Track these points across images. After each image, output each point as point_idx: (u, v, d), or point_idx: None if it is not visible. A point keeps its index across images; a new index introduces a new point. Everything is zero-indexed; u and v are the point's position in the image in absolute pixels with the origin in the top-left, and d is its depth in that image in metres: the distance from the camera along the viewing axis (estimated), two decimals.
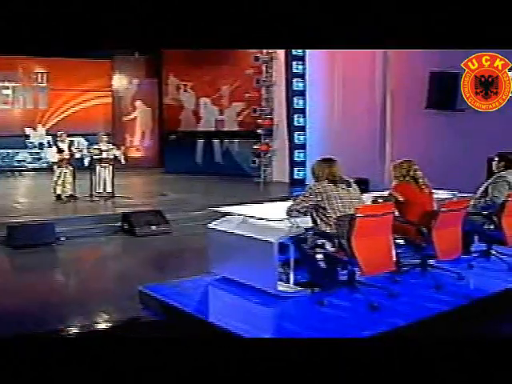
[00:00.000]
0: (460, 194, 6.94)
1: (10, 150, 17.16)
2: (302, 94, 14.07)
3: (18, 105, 17.50)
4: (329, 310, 4.86)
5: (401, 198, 5.57)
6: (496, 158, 6.45)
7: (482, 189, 6.35)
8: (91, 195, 11.37)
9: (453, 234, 5.56)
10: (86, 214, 9.91)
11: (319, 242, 5.01)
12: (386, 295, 5.13)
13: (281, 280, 5.43)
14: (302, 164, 14.31)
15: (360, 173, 12.73)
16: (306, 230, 5.13)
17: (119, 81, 18.53)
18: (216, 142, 16.52)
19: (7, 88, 17.28)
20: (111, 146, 12.07)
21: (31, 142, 17.29)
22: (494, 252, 6.38)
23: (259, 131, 14.93)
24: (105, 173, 11.77)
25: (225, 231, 5.59)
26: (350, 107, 13.31)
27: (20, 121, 17.26)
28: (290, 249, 5.34)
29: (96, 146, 12.00)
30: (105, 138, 11.96)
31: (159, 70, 17.59)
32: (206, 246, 5.88)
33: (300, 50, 13.87)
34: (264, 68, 14.76)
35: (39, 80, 17.59)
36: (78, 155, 11.73)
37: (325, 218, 4.99)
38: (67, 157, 11.32)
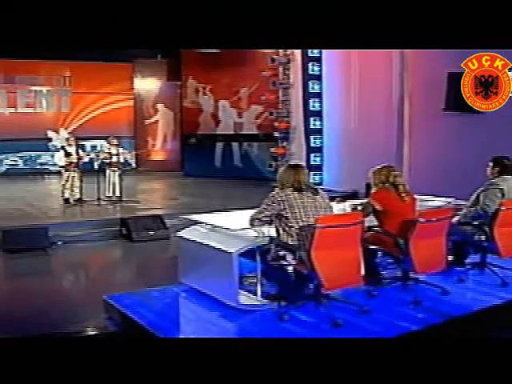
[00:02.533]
0: (457, 202, 6.53)
1: (32, 153, 17.34)
2: (318, 96, 13.70)
3: (40, 108, 17.66)
4: (289, 326, 4.56)
5: (378, 207, 5.22)
6: (490, 163, 5.99)
7: (473, 196, 5.91)
8: (99, 199, 11.29)
9: (434, 246, 5.15)
10: (86, 219, 9.82)
11: (281, 253, 4.73)
12: (356, 311, 4.80)
13: (249, 292, 5.19)
14: (319, 168, 13.94)
15: None
16: (271, 240, 4.85)
17: (141, 84, 18.49)
18: (235, 145, 16.30)
19: (30, 91, 17.45)
20: (121, 150, 11.99)
21: (54, 145, 17.37)
22: (488, 264, 5.93)
23: (276, 134, 14.63)
24: (114, 176, 11.69)
25: (191, 240, 5.35)
26: (367, 110, 12.91)
27: (43, 124, 17.36)
28: (257, 260, 5.07)
29: (106, 150, 11.95)
30: (115, 142, 11.88)
31: (181, 73, 17.46)
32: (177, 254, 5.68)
33: (316, 51, 13.51)
34: (281, 70, 14.45)
35: (62, 83, 17.72)
36: (86, 159, 11.70)
37: (287, 228, 4.69)
38: (75, 160, 11.29)
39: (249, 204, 7.75)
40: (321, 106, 13.77)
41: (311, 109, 13.73)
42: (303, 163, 13.86)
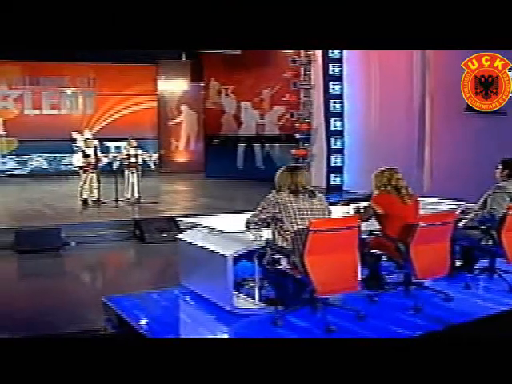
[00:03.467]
0: (467, 205, 6.35)
1: (57, 154, 17.56)
2: (339, 97, 13.56)
3: (65, 110, 17.92)
4: (282, 331, 4.48)
5: (379, 210, 5.10)
6: (499, 166, 5.82)
7: (481, 200, 5.74)
8: (116, 200, 11.35)
9: (436, 251, 5.01)
10: (101, 220, 9.87)
11: (276, 257, 4.66)
12: (353, 317, 4.70)
13: (249, 295, 5.14)
14: (339, 170, 13.80)
15: None
16: (267, 243, 4.77)
17: (165, 85, 18.56)
18: (257, 146, 16.24)
19: (55, 93, 17.72)
20: (140, 151, 12.05)
21: (78, 146, 17.53)
22: (497, 270, 5.75)
23: (297, 136, 14.53)
24: (133, 177, 11.76)
25: (190, 243, 5.32)
26: (388, 110, 12.72)
27: (67, 125, 17.51)
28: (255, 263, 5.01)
29: (124, 151, 12.03)
30: (133, 143, 11.95)
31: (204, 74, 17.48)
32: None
33: (337, 52, 13.39)
34: (302, 71, 14.35)
35: (86, 85, 17.94)
36: (105, 160, 11.79)
37: (282, 232, 4.62)
38: (93, 162, 11.37)
39: None
40: (342, 107, 13.63)
41: (332, 110, 13.60)
42: (324, 165, 13.92)
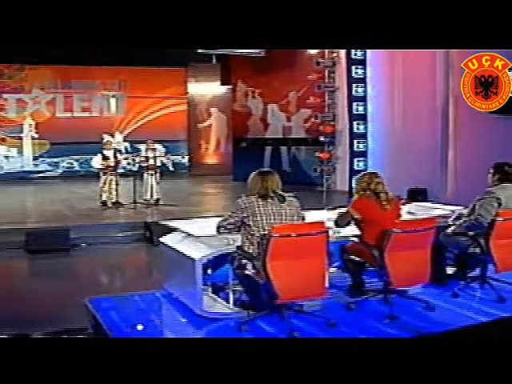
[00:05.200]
0: (463, 211, 6.14)
1: (87, 156, 17.82)
2: (362, 99, 13.36)
3: (96, 112, 18.27)
4: (247, 336, 4.43)
5: (356, 215, 5.00)
6: (491, 170, 5.62)
7: (471, 205, 5.53)
8: (135, 202, 11.48)
9: (414, 258, 4.86)
10: (114, 221, 10.04)
11: (243, 261, 4.62)
12: (323, 324, 4.61)
13: (225, 299, 5.12)
14: None
15: (420, 182, 11.94)
16: (237, 248, 4.74)
17: (194, 88, 18.70)
18: (283, 149, 16.17)
19: (86, 96, 18.09)
20: (158, 154, 12.17)
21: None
22: (488, 278, 5.53)
23: (321, 138, 14.40)
24: (151, 179, 11.88)
25: (168, 246, 5.33)
26: (412, 113, 12.47)
27: (98, 128, 17.73)
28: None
29: (143, 153, 12.17)
30: (151, 145, 12.08)
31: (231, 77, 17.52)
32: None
33: (360, 54, 13.19)
34: (326, 73, 14.23)
35: (116, 88, 18.26)
36: (124, 162, 11.95)
37: (249, 236, 4.58)
38: (112, 164, 11.53)
39: None
40: (365, 110, 13.43)
41: (355, 112, 13.42)
42: (347, 167, 13.74)
